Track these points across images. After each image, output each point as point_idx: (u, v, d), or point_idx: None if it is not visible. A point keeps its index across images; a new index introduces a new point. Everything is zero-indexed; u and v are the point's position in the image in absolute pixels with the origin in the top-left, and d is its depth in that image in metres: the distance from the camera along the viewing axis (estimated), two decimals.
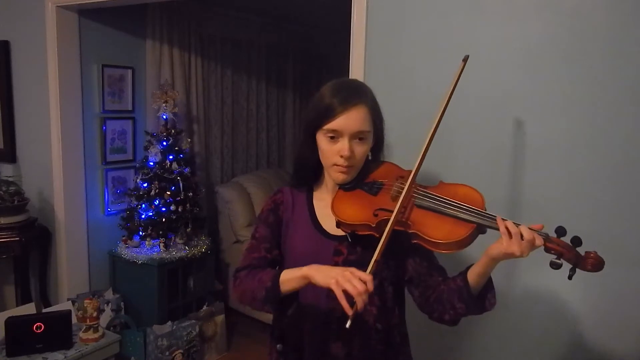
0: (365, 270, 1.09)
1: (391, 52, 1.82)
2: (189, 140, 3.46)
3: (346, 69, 1.90)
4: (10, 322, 2.39)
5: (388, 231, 1.13)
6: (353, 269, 1.08)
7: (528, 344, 1.69)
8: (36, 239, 2.97)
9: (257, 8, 3.99)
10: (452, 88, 1.23)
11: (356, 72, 1.87)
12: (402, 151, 1.64)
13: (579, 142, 1.53)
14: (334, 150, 1.22)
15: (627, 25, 1.44)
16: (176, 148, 3.19)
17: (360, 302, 1.03)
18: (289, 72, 4.72)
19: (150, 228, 3.08)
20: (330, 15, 3.55)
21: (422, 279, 1.27)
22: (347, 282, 1.05)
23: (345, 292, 1.04)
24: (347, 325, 1.03)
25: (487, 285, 1.19)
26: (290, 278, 1.18)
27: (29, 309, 2.72)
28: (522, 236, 1.07)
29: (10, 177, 2.99)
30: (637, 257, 1.49)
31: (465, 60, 1.27)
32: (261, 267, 1.33)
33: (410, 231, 1.16)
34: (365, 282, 1.04)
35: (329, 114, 1.20)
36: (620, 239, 1.50)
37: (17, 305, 2.94)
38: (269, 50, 4.41)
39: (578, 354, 1.61)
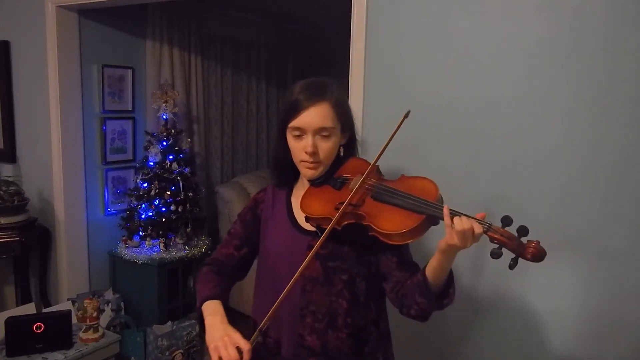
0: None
1: (391, 51, 1.82)
2: (189, 140, 3.46)
3: (346, 69, 1.90)
4: (10, 322, 2.39)
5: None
6: (236, 336, 1.13)
7: (522, 346, 1.69)
8: (36, 239, 2.97)
9: (257, 8, 3.99)
10: (390, 138, 1.23)
11: (356, 72, 1.87)
12: (401, 149, 1.64)
13: (577, 143, 1.53)
14: (300, 146, 1.26)
15: (627, 26, 1.44)
16: (176, 148, 3.19)
17: None
18: (289, 72, 4.72)
19: (150, 228, 3.09)
20: (330, 15, 3.55)
21: (392, 274, 1.28)
22: (223, 349, 1.10)
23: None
24: None
25: (448, 280, 1.19)
26: (204, 313, 1.25)
27: (29, 309, 2.72)
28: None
29: (10, 177, 2.99)
30: (634, 258, 1.49)
31: (406, 115, 1.28)
32: (227, 264, 1.41)
33: (365, 223, 1.18)
34: (241, 352, 1.09)
35: (292, 112, 1.25)
36: (618, 240, 1.51)
37: (17, 305, 2.94)
38: (269, 50, 4.42)
39: (573, 356, 1.61)
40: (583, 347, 1.60)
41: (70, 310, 2.59)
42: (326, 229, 1.22)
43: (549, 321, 1.64)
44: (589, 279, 1.55)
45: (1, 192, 2.83)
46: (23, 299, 2.96)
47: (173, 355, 2.84)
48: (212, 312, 1.23)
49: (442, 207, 1.11)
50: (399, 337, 1.47)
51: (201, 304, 1.27)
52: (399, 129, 1.24)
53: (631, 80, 1.45)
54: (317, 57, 4.89)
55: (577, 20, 1.50)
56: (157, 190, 3.08)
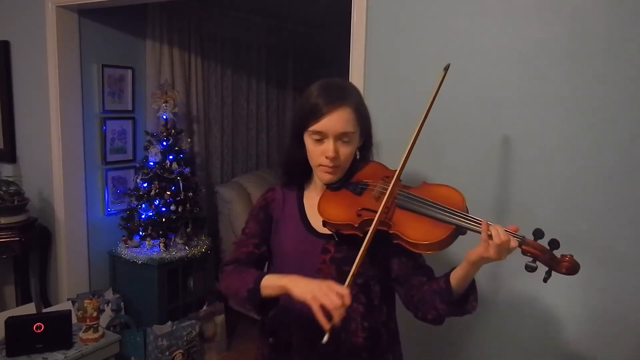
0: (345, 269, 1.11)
1: (391, 52, 1.82)
2: (189, 140, 3.46)
3: (346, 69, 1.90)
4: (10, 322, 2.39)
5: (371, 232, 1.14)
6: (331, 283, 1.08)
7: (523, 347, 1.69)
8: (36, 239, 2.97)
9: (257, 8, 3.99)
10: (433, 95, 1.23)
11: (356, 72, 1.87)
12: (403, 150, 1.64)
13: (578, 144, 1.53)
14: (320, 151, 1.24)
15: (627, 26, 1.44)
16: (176, 148, 3.19)
17: (337, 317, 1.04)
18: (289, 72, 4.72)
19: (150, 228, 3.09)
20: (330, 15, 3.55)
21: (406, 279, 1.28)
22: (324, 296, 1.05)
23: (323, 307, 1.05)
24: (324, 340, 1.03)
25: (470, 288, 1.19)
26: (270, 285, 1.19)
27: (29, 309, 2.72)
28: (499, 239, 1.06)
29: (10, 177, 2.99)
30: (634, 258, 1.49)
31: (446, 69, 1.26)
32: (248, 263, 1.35)
33: (391, 232, 1.17)
34: (342, 296, 1.05)
35: (313, 116, 1.22)
36: (619, 240, 1.50)
37: (17, 305, 2.94)
38: (269, 50, 4.42)
39: (573, 356, 1.61)
40: (583, 347, 1.59)
41: (70, 310, 2.59)
42: (345, 234, 1.21)
43: (549, 321, 1.63)
44: (590, 280, 1.55)
45: (1, 192, 2.83)
46: (23, 299, 2.96)
47: (173, 355, 2.84)
48: (280, 276, 1.18)
49: (469, 216, 1.11)
50: (407, 338, 1.46)
51: (256, 283, 1.20)
52: (441, 87, 1.21)
53: (632, 81, 1.45)
54: (317, 57, 4.89)
55: (577, 21, 1.50)
56: (157, 190, 3.07)
